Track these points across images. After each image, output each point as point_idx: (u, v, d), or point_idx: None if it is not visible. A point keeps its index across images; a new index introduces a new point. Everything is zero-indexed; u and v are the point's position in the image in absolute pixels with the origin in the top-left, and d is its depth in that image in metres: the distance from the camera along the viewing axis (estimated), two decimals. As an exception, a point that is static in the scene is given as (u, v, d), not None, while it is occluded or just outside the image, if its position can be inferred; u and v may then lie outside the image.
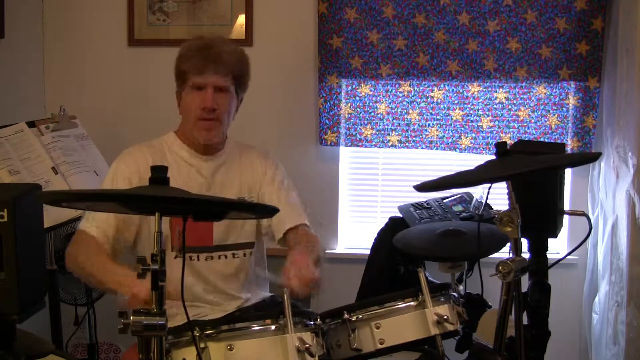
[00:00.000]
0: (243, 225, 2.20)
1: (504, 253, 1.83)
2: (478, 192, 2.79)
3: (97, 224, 2.00)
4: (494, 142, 2.88)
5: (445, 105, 3.00)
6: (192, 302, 2.08)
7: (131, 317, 1.32)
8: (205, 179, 2.16)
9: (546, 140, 2.95)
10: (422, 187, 1.70)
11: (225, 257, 2.17)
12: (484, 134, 3.00)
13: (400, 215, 2.77)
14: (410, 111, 3.01)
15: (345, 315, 1.76)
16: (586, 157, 2.13)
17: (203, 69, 2.07)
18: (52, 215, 2.17)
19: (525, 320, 1.94)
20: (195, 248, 2.11)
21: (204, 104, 2.07)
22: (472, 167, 1.74)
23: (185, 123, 2.17)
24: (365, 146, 3.05)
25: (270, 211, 1.53)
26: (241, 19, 3.06)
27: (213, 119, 2.10)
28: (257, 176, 2.26)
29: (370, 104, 3.02)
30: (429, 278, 1.87)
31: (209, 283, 2.14)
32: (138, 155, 2.13)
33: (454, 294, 1.86)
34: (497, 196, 1.86)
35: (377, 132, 3.02)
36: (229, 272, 2.17)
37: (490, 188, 1.93)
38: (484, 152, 3.00)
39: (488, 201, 2.72)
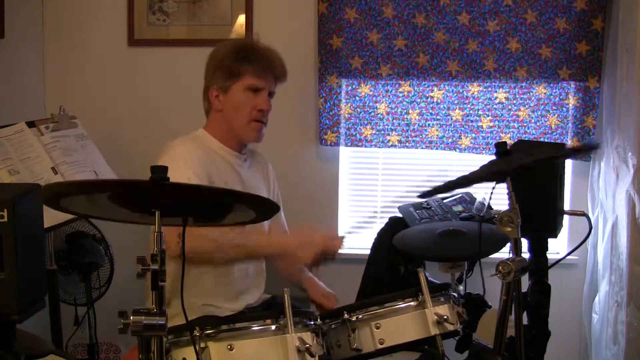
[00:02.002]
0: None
1: (504, 253, 1.83)
2: (480, 194, 2.79)
3: None
4: (494, 142, 2.87)
5: (445, 105, 3.00)
6: (205, 301, 2.10)
7: (131, 317, 1.32)
8: (239, 177, 2.22)
9: (546, 140, 2.95)
10: (425, 195, 1.71)
11: None
12: (484, 134, 3.00)
13: (400, 215, 2.77)
14: (410, 111, 3.01)
15: (345, 315, 1.76)
16: (586, 147, 2.12)
17: (264, 73, 2.18)
18: (52, 215, 2.15)
19: (525, 320, 1.94)
20: None
21: (262, 106, 2.20)
22: (473, 169, 1.75)
23: (232, 120, 2.20)
24: (365, 146, 3.05)
25: (272, 209, 1.54)
26: (241, 19, 3.06)
27: (263, 121, 2.23)
28: (270, 177, 2.44)
29: (370, 104, 3.02)
30: (429, 278, 1.88)
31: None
32: (191, 148, 2.12)
33: (454, 294, 1.86)
34: (497, 196, 1.86)
35: (377, 132, 3.02)
36: (249, 270, 2.24)
37: (493, 189, 1.93)
38: (484, 152, 3.00)
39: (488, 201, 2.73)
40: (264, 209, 1.55)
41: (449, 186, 1.79)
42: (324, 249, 2.06)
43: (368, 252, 2.80)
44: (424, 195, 1.71)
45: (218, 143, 2.21)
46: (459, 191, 2.87)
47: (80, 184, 1.54)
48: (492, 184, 1.71)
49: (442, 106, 3.00)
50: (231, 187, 2.10)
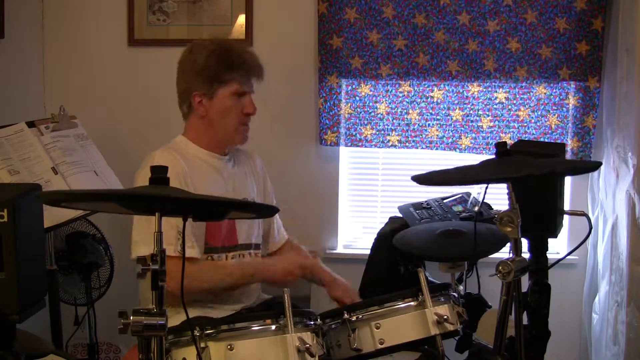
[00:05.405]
0: (260, 225, 2.30)
1: (504, 253, 1.83)
2: (475, 189, 2.79)
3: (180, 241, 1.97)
4: (494, 142, 2.88)
5: (445, 105, 3.00)
6: (201, 303, 2.10)
7: (131, 317, 1.32)
8: (224, 180, 2.20)
9: (546, 140, 2.95)
10: (420, 179, 1.70)
11: (250, 255, 2.23)
12: (484, 134, 3.00)
13: (400, 215, 2.77)
14: (410, 111, 3.01)
15: (345, 315, 1.76)
16: (586, 167, 2.13)
17: (248, 78, 2.17)
18: (52, 215, 2.17)
19: (525, 320, 1.94)
20: (223, 248, 2.16)
21: (249, 109, 2.18)
22: (474, 163, 1.74)
23: (218, 126, 2.17)
24: (365, 146, 3.05)
25: (271, 210, 1.55)
26: (241, 19, 3.06)
27: (248, 124, 2.22)
28: (258, 171, 2.38)
29: (370, 104, 3.02)
30: (429, 278, 1.88)
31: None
32: (170, 158, 2.08)
33: (454, 294, 1.86)
34: (497, 196, 1.86)
35: (377, 132, 3.02)
36: None
37: (487, 187, 1.93)
38: (484, 152, 3.00)
39: (488, 201, 2.73)
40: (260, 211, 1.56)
41: (446, 179, 1.79)
42: (305, 274, 2.15)
43: (368, 252, 2.80)
44: (418, 178, 1.70)
45: (199, 148, 2.18)
46: (459, 191, 2.87)
47: (79, 194, 1.55)
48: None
49: (442, 106, 3.00)
50: (215, 190, 2.11)
